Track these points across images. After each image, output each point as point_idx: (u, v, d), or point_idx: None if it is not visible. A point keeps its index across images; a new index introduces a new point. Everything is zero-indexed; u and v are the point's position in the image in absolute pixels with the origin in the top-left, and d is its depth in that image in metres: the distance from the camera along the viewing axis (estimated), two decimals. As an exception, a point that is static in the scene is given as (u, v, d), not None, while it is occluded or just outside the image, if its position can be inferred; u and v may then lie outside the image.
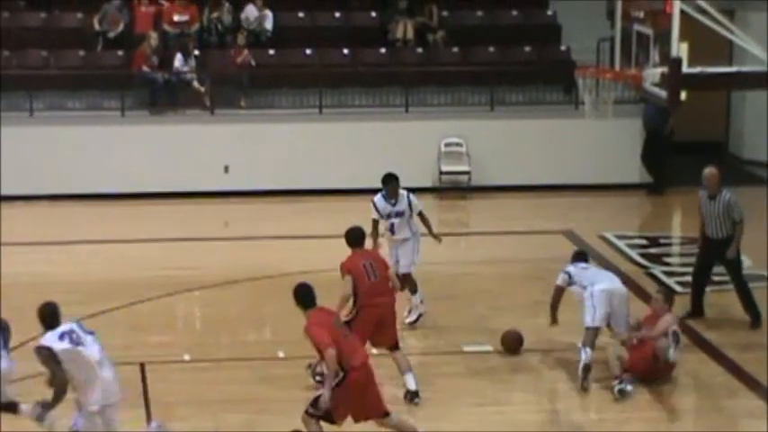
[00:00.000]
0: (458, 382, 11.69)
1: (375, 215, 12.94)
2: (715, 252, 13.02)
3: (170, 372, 11.90)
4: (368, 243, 11.85)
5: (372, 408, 9.80)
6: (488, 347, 12.47)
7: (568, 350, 12.43)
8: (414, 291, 13.03)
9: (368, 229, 12.09)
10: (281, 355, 12.25)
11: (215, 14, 19.93)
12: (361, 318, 11.03)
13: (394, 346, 11.29)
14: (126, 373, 11.65)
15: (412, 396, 11.17)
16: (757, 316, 13.01)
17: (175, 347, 12.44)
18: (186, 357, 12.18)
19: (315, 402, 9.63)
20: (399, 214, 12.93)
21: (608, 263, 15.38)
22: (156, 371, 11.79)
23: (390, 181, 13.04)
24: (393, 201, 13.00)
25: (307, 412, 9.69)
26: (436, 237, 13.11)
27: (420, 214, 13.08)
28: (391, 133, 19.22)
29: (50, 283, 14.40)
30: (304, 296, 9.86)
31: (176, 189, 18.72)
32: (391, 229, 12.97)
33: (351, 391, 9.57)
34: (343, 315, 10.89)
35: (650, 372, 11.49)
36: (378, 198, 13.03)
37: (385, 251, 12.73)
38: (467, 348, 12.48)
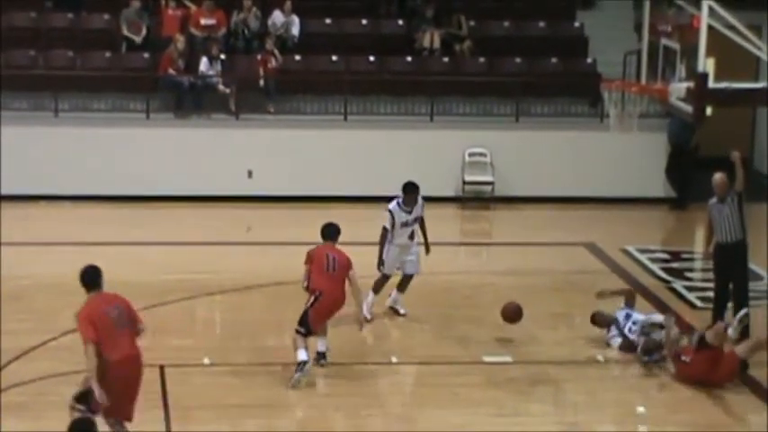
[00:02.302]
0: (477, 392, 11.67)
1: (388, 224, 13.09)
2: (728, 259, 12.93)
3: (189, 375, 11.92)
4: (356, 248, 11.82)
5: (121, 407, 9.55)
6: (508, 358, 12.45)
7: (588, 363, 12.41)
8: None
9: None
10: (300, 360, 12.23)
11: (241, 16, 19.94)
12: (318, 306, 11.68)
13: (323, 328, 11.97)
14: (145, 374, 11.67)
15: (318, 357, 11.92)
16: (746, 335, 12.88)
17: (195, 351, 12.45)
18: (206, 361, 12.19)
19: (82, 397, 9.45)
20: (417, 220, 13.19)
21: (630, 276, 15.35)
22: (176, 374, 11.81)
23: (412, 190, 13.15)
24: (409, 209, 13.09)
25: (72, 407, 9.45)
26: (428, 246, 13.34)
27: (421, 220, 13.27)
28: (416, 142, 19.23)
29: (72, 284, 14.41)
30: (88, 278, 9.82)
31: (199, 193, 18.77)
32: (411, 236, 13.17)
33: (112, 385, 9.35)
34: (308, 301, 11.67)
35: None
36: (394, 206, 13.14)
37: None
38: (487, 359, 12.46)
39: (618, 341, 12.68)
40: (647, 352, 12.32)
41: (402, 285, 13.55)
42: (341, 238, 12.03)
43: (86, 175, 18.52)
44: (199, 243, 16.71)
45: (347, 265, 11.81)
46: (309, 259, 11.83)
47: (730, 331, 12.22)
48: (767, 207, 17.68)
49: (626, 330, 12.65)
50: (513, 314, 12.85)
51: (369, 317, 13.15)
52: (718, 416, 11.26)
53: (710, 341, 11.74)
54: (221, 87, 19.25)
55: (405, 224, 13.16)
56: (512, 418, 11.07)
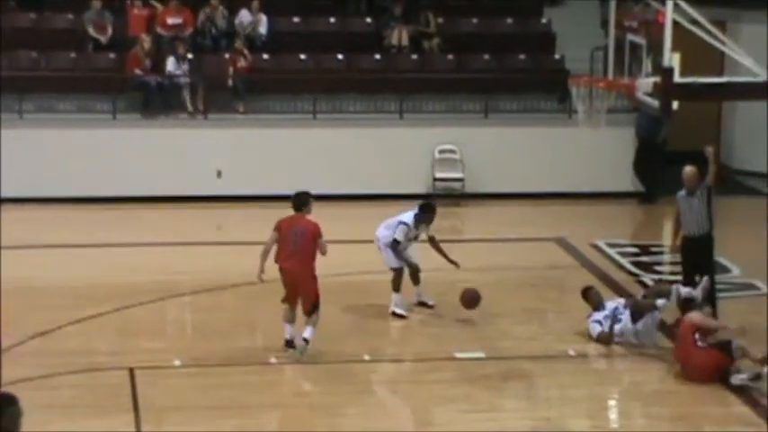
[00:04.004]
0: (450, 388, 11.68)
1: (401, 237, 13.33)
2: (695, 251, 13.03)
3: (160, 377, 11.86)
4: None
5: None
6: (481, 354, 12.47)
7: (561, 357, 12.44)
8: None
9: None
10: (272, 360, 12.22)
11: (207, 11, 19.80)
12: (282, 278, 12.07)
13: (305, 312, 12.10)
14: (115, 378, 11.67)
15: (305, 340, 12.08)
16: None
17: (166, 353, 12.39)
18: (177, 363, 12.14)
19: None
20: (416, 238, 13.55)
21: (600, 271, 15.41)
22: (146, 376, 11.75)
23: (431, 212, 13.52)
24: (420, 226, 13.43)
25: None
26: (452, 261, 13.58)
27: (432, 239, 13.56)
28: (385, 139, 19.23)
29: (40, 287, 14.38)
30: None
31: (168, 193, 18.68)
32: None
33: None
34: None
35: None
36: (411, 222, 13.39)
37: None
38: (459, 355, 12.48)
39: (597, 329, 12.68)
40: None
41: (414, 279, 13.62)
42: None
43: (53, 178, 18.40)
44: (168, 244, 16.64)
45: (312, 236, 11.93)
46: (278, 228, 12.06)
47: (695, 293, 12.44)
48: (733, 202, 17.86)
49: (607, 321, 12.63)
50: (471, 300, 13.13)
51: (404, 314, 13.38)
52: (689, 408, 11.31)
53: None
54: (185, 95, 19.08)
55: (409, 239, 13.49)
56: (485, 414, 11.09)
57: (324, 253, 12.01)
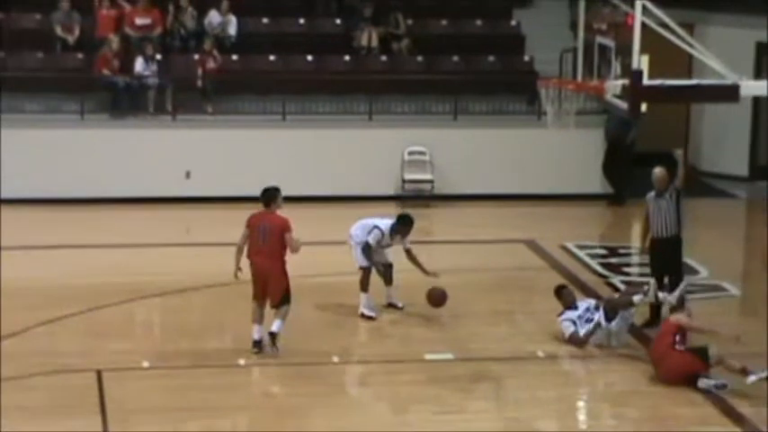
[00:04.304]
0: (419, 390, 11.68)
1: (373, 242, 13.30)
2: (663, 253, 13.10)
3: (128, 379, 11.80)
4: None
5: None
6: (450, 355, 12.48)
7: (530, 359, 12.47)
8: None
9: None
10: (241, 362, 12.18)
11: (172, 11, 19.73)
12: (251, 273, 12.15)
13: (273, 306, 12.17)
14: (83, 380, 11.61)
15: (271, 334, 12.16)
16: (657, 320, 13.07)
17: (134, 354, 12.33)
18: (145, 364, 12.08)
19: None
20: (389, 246, 13.59)
21: (569, 272, 15.46)
22: (114, 378, 11.69)
23: (409, 225, 13.55)
24: (394, 237, 13.45)
25: None
26: (426, 271, 13.64)
27: (408, 252, 13.59)
28: (355, 141, 19.21)
29: (7, 288, 14.24)
30: None
31: (136, 194, 18.60)
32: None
33: None
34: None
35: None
36: (386, 229, 13.39)
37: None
38: (428, 356, 12.48)
39: (570, 329, 12.68)
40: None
41: (386, 279, 13.63)
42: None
43: (20, 178, 18.25)
44: (137, 245, 16.55)
45: (279, 231, 11.97)
46: (248, 224, 12.17)
47: (670, 297, 12.52)
48: (701, 203, 17.94)
49: (581, 321, 12.64)
50: (437, 299, 13.30)
51: (373, 315, 13.37)
52: (658, 409, 11.36)
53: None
54: (149, 96, 19.00)
55: (381, 246, 13.50)
56: (454, 415, 11.10)
57: (293, 250, 12.01)
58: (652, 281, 12.78)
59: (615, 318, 12.60)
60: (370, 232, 13.36)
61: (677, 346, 11.71)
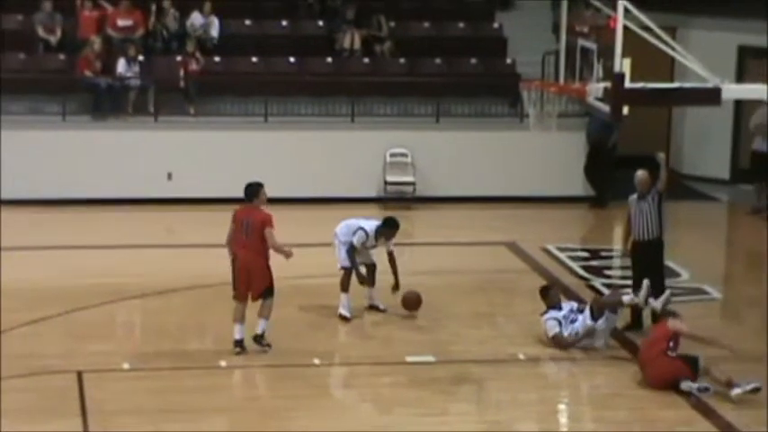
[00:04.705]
0: (401, 392, 11.68)
1: (358, 243, 13.34)
2: (645, 256, 13.14)
3: (108, 380, 11.77)
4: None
5: None
6: (431, 358, 12.48)
7: (510, 361, 12.48)
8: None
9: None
10: (222, 364, 12.16)
11: (153, 13, 19.70)
12: (234, 268, 12.20)
13: (256, 298, 12.25)
14: (63, 381, 11.57)
15: (255, 337, 12.28)
16: (638, 324, 13.11)
17: (115, 356, 12.30)
18: (126, 366, 12.05)
19: None
20: (373, 247, 13.60)
21: (550, 275, 15.48)
22: (94, 379, 11.66)
23: (394, 227, 13.61)
24: (379, 239, 13.48)
25: None
26: (397, 284, 13.65)
27: (390, 255, 13.60)
28: (337, 143, 19.21)
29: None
30: None
31: (118, 195, 18.55)
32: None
33: None
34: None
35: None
36: (371, 231, 13.42)
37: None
38: (410, 359, 12.48)
39: (556, 328, 12.67)
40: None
41: (369, 280, 13.64)
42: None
43: (2, 179, 18.19)
44: (118, 246, 16.51)
45: (261, 226, 12.04)
46: (233, 219, 12.28)
47: (656, 304, 12.55)
48: (682, 206, 17.99)
49: (566, 322, 12.67)
50: (412, 302, 13.46)
51: (348, 316, 13.40)
52: (639, 412, 11.39)
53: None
54: (130, 98, 18.94)
55: (366, 247, 13.51)
56: (435, 418, 11.10)
57: (272, 246, 12.07)
58: (646, 282, 12.77)
59: (601, 318, 12.62)
60: (354, 233, 13.36)
61: (669, 353, 11.74)
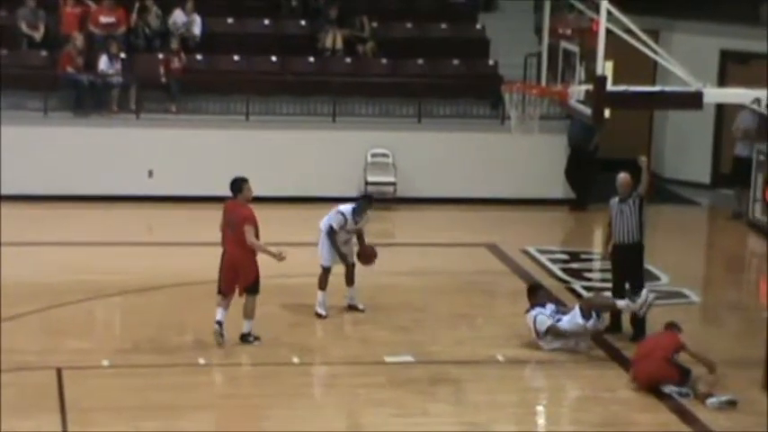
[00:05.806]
0: (379, 392, 11.69)
1: (336, 225, 13.36)
2: (625, 259, 13.18)
3: (87, 377, 11.74)
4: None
5: None
6: (409, 358, 12.49)
7: (489, 362, 12.50)
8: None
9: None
10: (201, 361, 12.15)
11: (136, 10, 19.66)
12: (222, 263, 12.40)
13: (242, 292, 12.41)
14: (42, 378, 11.53)
15: (242, 336, 12.43)
16: (642, 331, 13.14)
17: (94, 353, 12.27)
18: (105, 363, 12.02)
19: None
20: (357, 231, 13.61)
21: (530, 277, 15.51)
22: (73, 376, 11.63)
23: (369, 203, 13.78)
24: (359, 219, 13.49)
25: None
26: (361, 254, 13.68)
27: (359, 231, 13.68)
28: (318, 142, 19.20)
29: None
30: None
31: (99, 192, 18.50)
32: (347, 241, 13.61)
33: None
34: None
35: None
36: (348, 212, 13.49)
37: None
38: (388, 359, 12.49)
39: (547, 322, 12.62)
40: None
41: (348, 279, 13.67)
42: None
43: (-18, 175, 18.14)
44: (98, 243, 16.47)
45: (241, 222, 12.14)
46: (223, 210, 12.48)
47: (635, 306, 12.63)
48: (664, 210, 18.04)
49: (553, 319, 12.72)
50: (368, 256, 13.56)
51: (324, 313, 13.45)
52: (617, 414, 11.42)
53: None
54: (113, 95, 18.90)
55: (348, 231, 13.50)
56: (413, 419, 11.11)
57: (249, 243, 12.14)
58: (645, 291, 12.78)
59: (591, 318, 12.62)
60: (332, 217, 13.45)
61: (671, 360, 11.82)
